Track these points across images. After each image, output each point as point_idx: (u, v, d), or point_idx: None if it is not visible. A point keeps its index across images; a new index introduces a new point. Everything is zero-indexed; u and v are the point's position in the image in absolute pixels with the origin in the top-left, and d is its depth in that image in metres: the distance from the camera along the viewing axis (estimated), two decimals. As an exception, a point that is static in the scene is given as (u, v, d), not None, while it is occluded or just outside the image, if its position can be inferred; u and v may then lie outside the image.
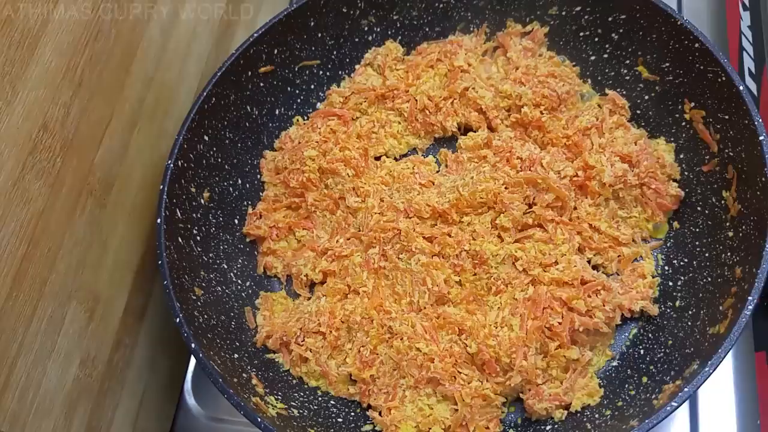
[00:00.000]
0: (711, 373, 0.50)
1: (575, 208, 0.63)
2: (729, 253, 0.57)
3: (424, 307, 0.61)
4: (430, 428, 0.57)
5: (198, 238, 0.64)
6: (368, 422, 0.59)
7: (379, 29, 0.73)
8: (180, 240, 0.61)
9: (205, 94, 0.64)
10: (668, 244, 0.64)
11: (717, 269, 0.58)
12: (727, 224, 0.58)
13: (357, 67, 0.74)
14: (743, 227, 0.56)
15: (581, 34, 0.70)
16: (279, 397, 0.58)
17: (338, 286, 0.63)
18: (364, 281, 0.62)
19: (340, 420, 0.59)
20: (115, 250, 0.59)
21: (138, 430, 0.63)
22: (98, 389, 0.57)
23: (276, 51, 0.69)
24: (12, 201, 0.46)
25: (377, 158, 0.70)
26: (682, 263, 0.61)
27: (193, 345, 0.55)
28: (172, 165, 0.61)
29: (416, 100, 0.69)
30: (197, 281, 0.61)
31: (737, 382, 0.61)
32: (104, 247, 0.57)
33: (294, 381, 0.62)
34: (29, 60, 0.46)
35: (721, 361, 0.50)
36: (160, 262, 0.58)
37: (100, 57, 0.54)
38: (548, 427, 0.57)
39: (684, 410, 0.61)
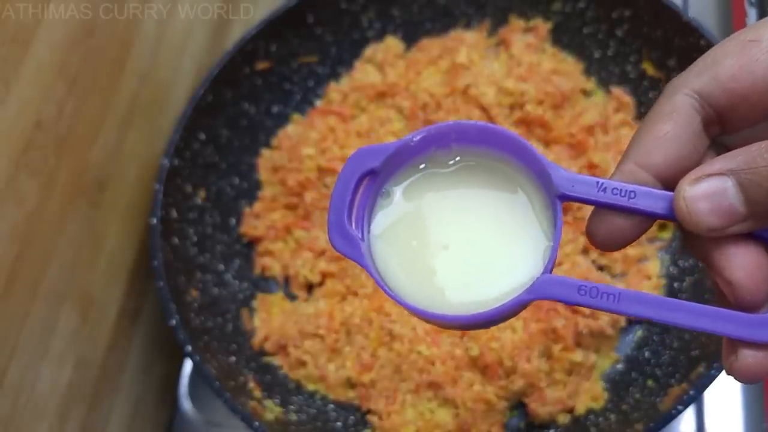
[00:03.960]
0: (717, 376, 0.50)
1: (579, 208, 0.62)
2: (736, 254, 0.56)
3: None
4: (431, 432, 0.56)
5: (194, 238, 0.63)
6: (368, 426, 0.58)
7: (378, 25, 0.72)
8: (175, 240, 0.61)
9: (201, 91, 0.63)
10: (674, 245, 0.63)
11: (723, 270, 0.57)
12: (734, 224, 0.57)
13: (356, 63, 0.73)
14: (750, 227, 0.56)
15: (585, 30, 0.69)
16: (277, 401, 0.58)
17: (337, 288, 0.62)
18: (364, 283, 0.61)
19: (339, 424, 0.59)
20: (109, 251, 0.58)
21: (133, 433, 0.63)
22: (92, 392, 0.56)
23: (274, 47, 0.68)
24: (5, 200, 0.45)
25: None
26: (687, 264, 0.61)
27: (189, 348, 0.55)
28: (167, 164, 0.61)
29: (417, 98, 0.69)
30: (193, 282, 0.61)
31: (744, 385, 0.61)
32: (98, 248, 0.56)
33: (292, 384, 0.61)
34: (23, 57, 0.46)
35: (727, 364, 0.49)
36: (155, 262, 0.57)
37: (95, 54, 0.53)
38: (552, 432, 0.57)
39: (690, 413, 0.60)
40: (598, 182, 0.28)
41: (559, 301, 0.28)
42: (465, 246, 0.31)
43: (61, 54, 0.49)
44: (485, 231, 0.31)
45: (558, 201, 0.28)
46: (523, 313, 0.57)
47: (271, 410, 0.57)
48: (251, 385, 0.58)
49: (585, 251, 0.61)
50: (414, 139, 0.30)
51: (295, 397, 0.60)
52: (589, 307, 0.27)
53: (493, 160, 0.31)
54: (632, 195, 0.27)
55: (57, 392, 0.52)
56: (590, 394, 0.57)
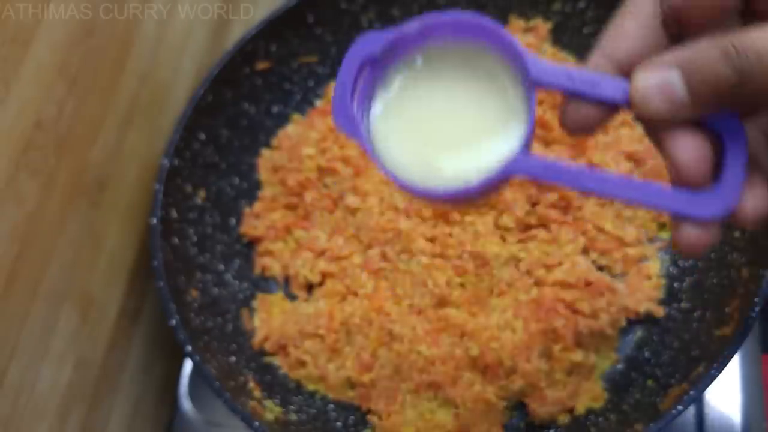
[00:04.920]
0: (717, 376, 0.49)
1: (579, 208, 0.62)
2: (735, 254, 0.56)
3: (425, 310, 0.60)
4: (431, 433, 0.56)
5: (194, 238, 0.63)
6: (368, 426, 0.58)
7: (378, 25, 0.72)
8: (175, 240, 0.61)
9: (201, 91, 0.63)
10: (673, 245, 0.63)
11: (723, 270, 0.57)
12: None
13: (356, 63, 0.73)
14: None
15: (585, 30, 0.69)
16: (277, 401, 0.58)
17: (337, 288, 0.62)
18: (364, 283, 0.61)
19: (339, 424, 0.59)
20: (109, 251, 0.58)
21: (133, 433, 0.63)
22: (92, 392, 0.56)
23: (274, 47, 0.68)
24: (5, 201, 0.45)
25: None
26: (687, 264, 0.61)
27: (189, 348, 0.54)
28: (167, 164, 0.61)
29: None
30: (193, 283, 0.61)
31: (744, 385, 0.61)
32: (98, 248, 0.56)
33: (292, 384, 0.61)
34: (23, 57, 0.46)
35: (727, 364, 0.49)
36: (155, 262, 0.57)
37: (95, 54, 0.53)
38: (552, 432, 0.57)
39: (690, 413, 0.60)
40: (567, 72, 0.31)
41: (528, 176, 0.31)
42: (453, 131, 0.34)
43: (61, 54, 0.49)
44: (472, 117, 0.34)
45: (533, 88, 0.32)
46: (523, 313, 0.57)
47: (271, 410, 0.56)
48: (251, 385, 0.58)
49: (585, 251, 0.61)
50: (411, 28, 0.34)
51: (295, 397, 0.60)
52: (554, 183, 0.31)
53: (480, 50, 0.34)
54: (596, 84, 0.31)
55: (57, 392, 0.52)
56: (590, 394, 0.56)
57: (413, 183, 0.33)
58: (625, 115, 0.66)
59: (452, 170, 0.33)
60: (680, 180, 0.30)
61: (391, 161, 0.34)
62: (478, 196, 0.33)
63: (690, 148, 0.29)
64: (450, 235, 0.61)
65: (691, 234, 0.30)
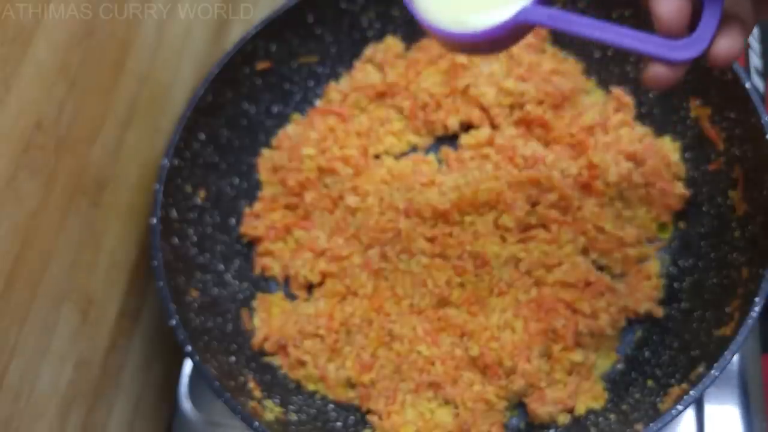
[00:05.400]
0: (717, 376, 0.49)
1: (579, 208, 0.62)
2: (736, 254, 0.56)
3: (425, 310, 0.60)
4: (431, 432, 0.56)
5: (194, 238, 0.63)
6: (367, 427, 0.58)
7: (378, 25, 0.72)
8: (175, 240, 0.61)
9: (201, 91, 0.63)
10: (673, 245, 0.63)
11: (723, 270, 0.57)
12: (734, 224, 0.57)
13: (356, 63, 0.73)
14: (750, 227, 0.56)
15: (585, 30, 0.69)
16: (277, 401, 0.58)
17: (337, 288, 0.62)
18: (364, 283, 0.61)
19: (339, 424, 0.59)
20: (110, 251, 0.58)
21: (133, 433, 0.63)
22: (93, 392, 0.56)
23: (274, 47, 0.68)
24: (5, 201, 0.45)
25: (376, 157, 0.69)
26: (687, 264, 0.61)
27: (188, 348, 0.54)
28: (167, 164, 0.61)
29: (417, 98, 0.68)
30: (193, 283, 0.61)
31: (744, 385, 0.61)
32: (98, 248, 0.56)
33: (292, 385, 0.61)
34: (23, 57, 0.46)
35: (727, 364, 0.49)
36: (155, 262, 0.57)
37: (95, 54, 0.53)
38: (552, 432, 0.57)
39: (690, 413, 0.60)
40: None
41: (536, 22, 0.37)
42: None
43: (61, 54, 0.49)
44: None
45: None
46: (523, 313, 0.57)
47: (271, 410, 0.56)
48: (251, 385, 0.58)
49: (585, 251, 0.61)
50: None
51: (295, 397, 0.60)
52: (555, 28, 0.36)
53: None
54: None
55: (57, 392, 0.52)
56: (590, 394, 0.56)
57: (443, 29, 0.39)
58: (624, 115, 0.66)
59: (479, 26, 0.38)
60: (662, 30, 0.35)
61: (427, 15, 0.39)
62: (499, 41, 0.39)
63: (671, 3, 0.35)
64: (450, 235, 0.62)
65: (660, 71, 0.36)
